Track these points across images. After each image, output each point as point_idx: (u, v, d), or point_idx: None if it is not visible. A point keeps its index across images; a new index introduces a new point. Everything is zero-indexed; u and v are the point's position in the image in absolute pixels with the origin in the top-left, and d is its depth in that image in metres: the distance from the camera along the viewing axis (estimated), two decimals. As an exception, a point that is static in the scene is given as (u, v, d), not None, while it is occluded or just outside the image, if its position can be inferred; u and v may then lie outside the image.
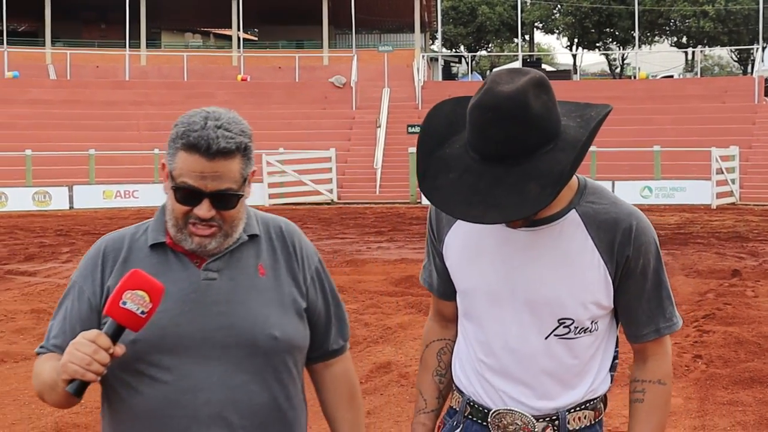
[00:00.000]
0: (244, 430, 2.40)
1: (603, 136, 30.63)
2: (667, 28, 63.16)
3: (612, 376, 2.56)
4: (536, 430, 2.46)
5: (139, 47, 47.29)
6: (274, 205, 30.14)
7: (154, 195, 28.55)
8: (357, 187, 32.91)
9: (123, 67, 43.25)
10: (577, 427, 2.49)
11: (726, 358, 8.31)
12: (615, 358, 2.57)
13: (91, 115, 37.02)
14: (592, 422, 2.52)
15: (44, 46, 46.57)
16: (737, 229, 20.98)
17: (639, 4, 51.86)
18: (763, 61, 44.24)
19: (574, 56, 65.93)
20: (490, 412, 2.51)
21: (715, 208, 27.88)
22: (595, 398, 2.51)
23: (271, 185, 30.91)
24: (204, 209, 2.32)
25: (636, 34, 51.58)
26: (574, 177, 2.44)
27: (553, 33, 68.26)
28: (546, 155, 2.21)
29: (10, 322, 9.94)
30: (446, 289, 2.67)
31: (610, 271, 2.40)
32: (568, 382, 2.46)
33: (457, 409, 2.61)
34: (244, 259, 2.46)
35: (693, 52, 57.93)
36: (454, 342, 2.72)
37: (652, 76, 51.93)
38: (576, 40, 65.59)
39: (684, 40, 63.05)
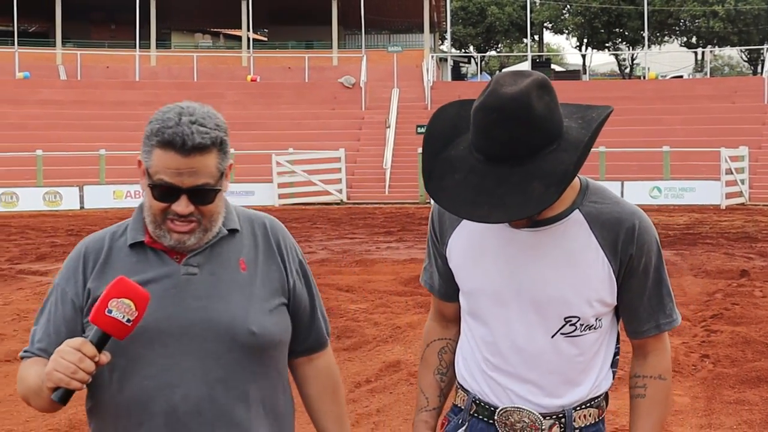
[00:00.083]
0: (222, 426, 2.39)
1: (612, 137, 30.47)
2: (677, 28, 63.08)
3: (614, 373, 2.60)
4: (543, 427, 2.49)
5: (149, 48, 47.40)
6: (284, 205, 30.21)
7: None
8: (366, 187, 32.94)
9: (133, 68, 43.39)
10: (583, 425, 2.52)
11: (733, 358, 8.34)
12: (616, 354, 2.61)
13: (102, 115, 37.12)
14: (596, 420, 2.55)
15: (55, 46, 46.72)
16: (746, 230, 20.96)
17: (648, 4, 51.81)
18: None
19: (584, 56, 65.88)
20: (497, 410, 2.53)
21: (724, 208, 27.85)
22: (599, 396, 2.55)
23: (280, 185, 30.97)
24: (182, 205, 2.31)
25: (645, 34, 51.51)
26: (576, 178, 2.47)
27: (562, 33, 68.24)
28: (549, 155, 2.25)
29: (22, 320, 10.00)
30: (447, 290, 2.70)
31: (613, 269, 2.44)
32: (574, 379, 2.49)
33: (462, 407, 2.63)
34: (224, 253, 2.45)
35: (703, 52, 57.83)
36: (455, 341, 2.75)
37: (662, 77, 51.83)
38: (585, 40, 65.54)
39: (694, 40, 62.97)
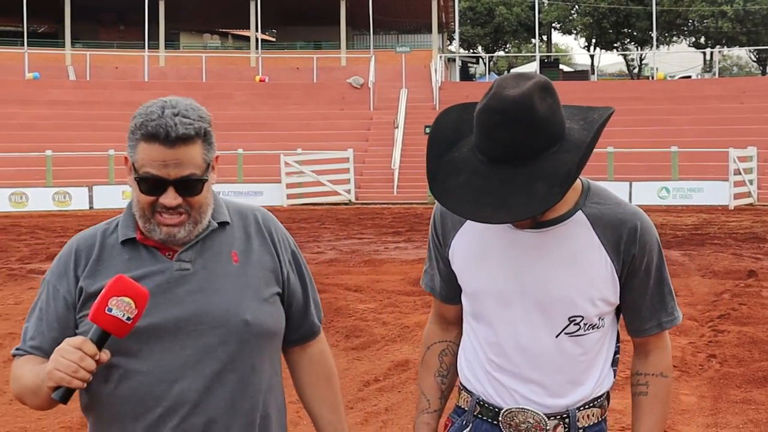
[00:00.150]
0: (220, 418, 2.39)
1: (620, 137, 30.35)
2: (685, 29, 63.02)
3: (614, 371, 2.63)
4: (548, 428, 2.51)
5: (158, 48, 47.50)
6: (292, 205, 30.26)
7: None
8: (374, 187, 32.96)
9: (142, 68, 43.51)
10: (586, 425, 2.54)
11: (740, 358, 8.37)
12: (616, 352, 2.64)
13: (111, 115, 37.14)
14: (599, 419, 2.58)
15: (64, 47, 46.85)
16: (754, 230, 20.94)
17: (657, 4, 51.75)
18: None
19: (592, 57, 65.84)
20: (502, 411, 2.54)
21: (732, 208, 27.80)
22: (602, 395, 2.58)
23: (289, 185, 31.00)
24: (169, 197, 2.32)
25: (654, 34, 51.42)
26: (578, 179, 2.50)
27: (570, 33, 68.20)
28: (552, 156, 2.27)
29: (33, 320, 10.05)
30: (449, 293, 2.72)
31: (616, 269, 2.47)
32: (578, 379, 2.51)
33: (466, 408, 2.65)
34: (216, 246, 2.46)
35: (711, 53, 57.72)
36: (455, 344, 2.77)
37: (670, 77, 51.74)
38: (594, 41, 65.50)
39: (702, 40, 62.90)
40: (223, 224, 2.49)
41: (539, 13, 54.86)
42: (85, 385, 2.17)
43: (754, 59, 66.50)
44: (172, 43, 54.27)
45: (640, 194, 29.10)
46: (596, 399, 2.57)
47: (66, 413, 6.63)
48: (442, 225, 2.67)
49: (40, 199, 29.40)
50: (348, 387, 7.52)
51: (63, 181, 30.40)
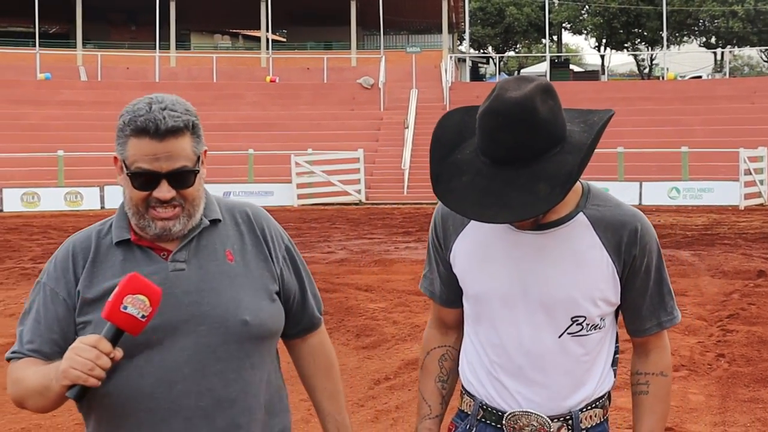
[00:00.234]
0: (223, 418, 2.39)
1: (631, 137, 30.27)
2: (696, 29, 62.88)
3: (614, 371, 2.66)
4: (551, 430, 2.53)
5: (169, 49, 47.59)
6: (303, 205, 30.32)
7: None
8: (385, 187, 32.97)
9: (153, 69, 43.62)
10: (589, 426, 2.57)
11: (748, 357, 8.41)
12: (616, 352, 2.67)
13: (122, 116, 37.27)
14: (602, 420, 2.61)
15: (75, 47, 46.98)
16: (765, 230, 20.90)
17: (667, 4, 51.61)
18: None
19: (602, 57, 65.76)
20: (505, 415, 2.56)
21: (743, 209, 27.73)
22: (603, 395, 2.61)
23: (299, 186, 31.05)
24: (163, 190, 2.32)
25: (664, 34, 51.28)
26: (578, 182, 2.53)
27: (581, 33, 68.08)
28: (554, 158, 2.31)
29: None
30: (449, 296, 2.74)
31: (617, 270, 2.50)
32: (580, 379, 2.54)
33: (469, 412, 2.66)
34: (210, 246, 2.45)
35: (722, 53, 57.63)
36: (455, 349, 2.80)
37: (681, 77, 51.67)
38: (604, 41, 65.39)
39: (713, 40, 62.76)
40: (215, 222, 2.49)
41: (549, 13, 54.78)
42: (100, 383, 2.17)
43: (765, 59, 66.34)
44: (182, 43, 54.38)
45: (651, 194, 29.08)
46: (598, 399, 2.59)
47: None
48: (443, 228, 2.69)
49: (52, 199, 29.51)
50: (359, 385, 7.59)
51: (75, 181, 30.49)
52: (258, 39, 54.56)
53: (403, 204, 30.70)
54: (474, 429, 2.64)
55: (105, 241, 2.46)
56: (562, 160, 2.31)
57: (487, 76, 64.52)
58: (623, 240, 2.50)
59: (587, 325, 2.51)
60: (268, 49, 47.08)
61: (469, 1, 56.47)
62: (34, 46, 43.88)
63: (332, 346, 2.81)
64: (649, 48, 65.55)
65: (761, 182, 29.42)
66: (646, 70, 67.68)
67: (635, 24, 61.67)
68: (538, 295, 2.50)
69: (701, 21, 60.79)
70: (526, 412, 2.54)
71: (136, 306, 2.18)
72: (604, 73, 60.72)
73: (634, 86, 45.84)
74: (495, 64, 62.46)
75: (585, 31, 66.44)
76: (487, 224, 2.51)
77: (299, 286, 2.64)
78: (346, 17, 49.20)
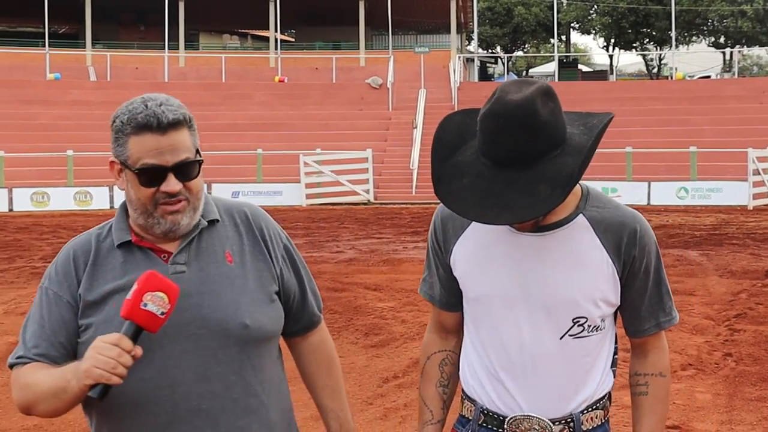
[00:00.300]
0: (225, 421, 2.40)
1: (639, 137, 30.20)
2: (705, 28, 62.81)
3: (614, 372, 2.67)
4: None
5: (178, 49, 47.67)
6: (311, 205, 30.36)
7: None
8: (393, 187, 32.98)
9: (162, 69, 43.72)
10: (590, 427, 2.58)
11: (756, 356, 8.43)
12: (615, 353, 2.68)
13: (131, 116, 37.35)
14: (602, 421, 2.63)
15: (85, 48, 47.06)
16: (773, 230, 20.92)
17: (676, 4, 51.57)
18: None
19: (611, 56, 65.71)
20: (507, 419, 2.57)
21: (751, 209, 27.68)
22: (603, 396, 2.62)
23: (308, 185, 31.08)
24: (171, 183, 2.32)
25: (673, 34, 51.19)
26: (578, 184, 2.54)
27: (589, 33, 68.00)
28: (554, 159, 2.33)
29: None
30: (449, 300, 2.75)
31: (617, 271, 2.52)
32: (581, 380, 2.55)
33: (470, 417, 2.66)
34: (210, 247, 2.45)
35: (731, 52, 57.52)
36: (455, 353, 2.80)
37: (690, 77, 51.55)
38: (613, 41, 65.33)
39: (722, 40, 62.67)
40: (212, 222, 2.50)
41: (558, 13, 54.79)
42: (122, 381, 2.16)
43: (774, 59, 66.22)
44: (191, 43, 54.51)
45: (659, 194, 29.06)
46: (599, 401, 2.61)
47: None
48: (443, 232, 2.70)
49: (62, 199, 29.62)
50: (367, 383, 7.64)
51: (84, 181, 30.56)
52: (267, 39, 54.58)
53: (412, 204, 30.71)
54: None
55: (105, 244, 2.47)
56: (562, 162, 2.33)
57: (496, 76, 64.50)
58: (623, 241, 2.52)
59: (588, 326, 2.53)
60: (276, 49, 47.12)
61: (478, 1, 56.47)
62: (44, 46, 44.02)
63: (333, 342, 2.83)
64: (658, 48, 65.48)
65: (770, 182, 29.36)
66: (655, 70, 67.59)
67: (644, 24, 61.58)
68: (539, 297, 2.52)
69: (710, 20, 60.73)
70: (527, 416, 2.55)
71: (155, 303, 2.19)
72: (612, 73, 60.69)
73: (642, 86, 45.76)
74: (503, 64, 62.42)
75: (593, 31, 66.38)
76: (487, 226, 2.53)
77: (299, 285, 2.65)
78: (355, 17, 49.21)
